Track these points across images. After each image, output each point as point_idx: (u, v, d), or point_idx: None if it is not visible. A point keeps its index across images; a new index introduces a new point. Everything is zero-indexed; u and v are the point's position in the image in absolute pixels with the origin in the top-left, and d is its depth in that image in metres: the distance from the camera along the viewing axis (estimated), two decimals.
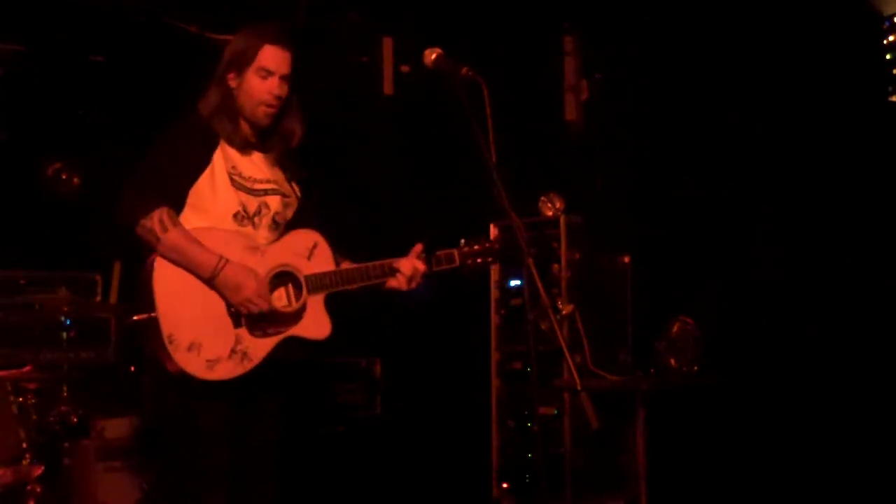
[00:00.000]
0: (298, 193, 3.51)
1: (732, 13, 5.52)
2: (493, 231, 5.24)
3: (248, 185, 3.34)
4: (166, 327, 3.16)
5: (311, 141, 3.51)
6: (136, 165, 3.31)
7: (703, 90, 5.69)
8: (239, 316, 3.23)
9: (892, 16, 5.08)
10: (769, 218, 5.45)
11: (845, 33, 5.18)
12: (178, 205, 3.28)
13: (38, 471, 4.33)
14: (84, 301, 5.36)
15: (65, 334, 4.91)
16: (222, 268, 3.18)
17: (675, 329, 5.12)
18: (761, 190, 5.48)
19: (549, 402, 5.30)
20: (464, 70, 3.05)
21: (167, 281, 3.19)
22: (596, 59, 6.35)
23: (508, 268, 5.57)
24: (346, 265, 3.41)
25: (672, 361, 5.11)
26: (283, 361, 3.32)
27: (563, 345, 3.03)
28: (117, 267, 5.68)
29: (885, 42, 5.09)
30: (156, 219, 3.18)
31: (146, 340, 3.21)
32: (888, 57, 5.09)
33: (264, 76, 3.29)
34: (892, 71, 5.07)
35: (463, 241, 3.44)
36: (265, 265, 3.27)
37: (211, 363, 3.18)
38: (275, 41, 3.31)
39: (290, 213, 3.46)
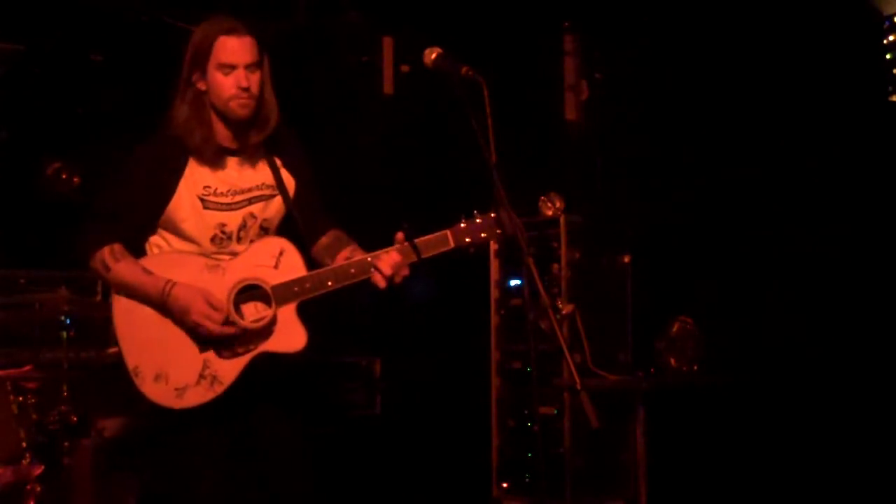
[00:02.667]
0: (292, 181, 3.30)
1: (733, 13, 5.52)
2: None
3: (227, 200, 3.19)
4: (130, 360, 3.10)
5: (310, 141, 3.48)
6: (95, 199, 3.23)
7: (704, 90, 5.69)
8: (204, 339, 3.11)
9: (892, 16, 5.08)
10: (769, 217, 5.45)
11: (845, 33, 5.18)
12: (141, 233, 3.20)
13: (38, 470, 4.33)
14: (84, 301, 5.36)
15: (65, 334, 4.90)
16: (169, 291, 3.07)
17: (675, 329, 5.12)
18: (761, 189, 5.48)
19: (549, 402, 5.30)
20: (464, 70, 3.00)
21: (126, 314, 3.13)
22: (596, 59, 6.35)
23: (508, 267, 5.57)
24: (339, 260, 3.19)
25: (672, 361, 5.11)
26: (271, 371, 3.18)
27: (563, 345, 3.01)
28: None
29: (885, 42, 5.09)
30: (97, 260, 3.15)
31: (121, 374, 3.15)
32: (888, 57, 5.09)
33: (227, 72, 3.10)
34: (892, 71, 5.07)
35: (463, 217, 3.16)
36: (227, 282, 3.11)
37: (180, 391, 3.08)
38: (229, 31, 3.10)
39: (281, 213, 3.30)
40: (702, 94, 5.70)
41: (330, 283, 3.13)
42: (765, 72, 5.45)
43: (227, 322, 3.08)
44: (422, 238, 3.14)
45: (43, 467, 4.36)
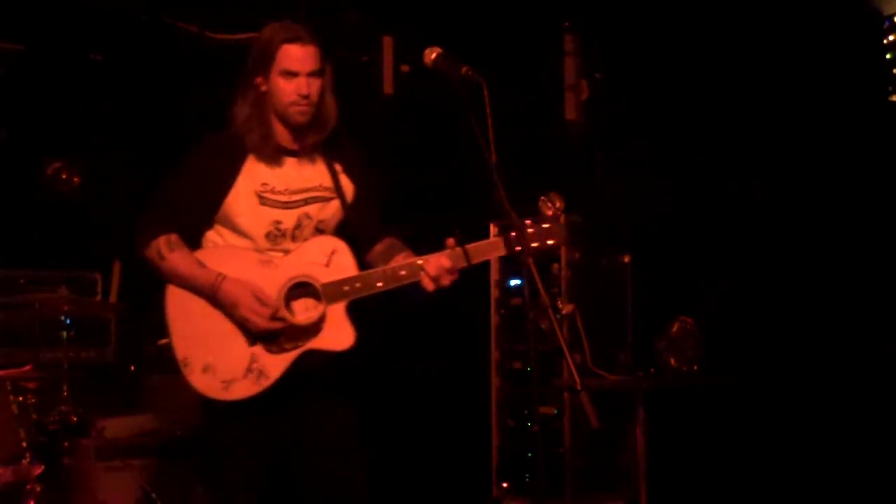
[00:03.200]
0: (351, 187, 3.37)
1: (733, 13, 5.52)
2: (494, 230, 5.24)
3: (284, 198, 3.25)
4: (180, 351, 3.15)
5: None
6: (152, 190, 3.28)
7: (704, 90, 5.69)
8: (254, 333, 3.16)
9: (893, 16, 5.08)
10: (770, 217, 5.45)
11: (845, 33, 5.18)
12: (198, 227, 3.27)
13: (38, 470, 4.33)
14: (84, 300, 5.37)
15: (65, 334, 4.91)
16: (219, 285, 3.13)
17: (675, 329, 5.12)
18: (762, 189, 5.48)
19: (549, 402, 5.30)
20: (464, 69, 3.02)
21: (179, 305, 3.18)
22: (596, 59, 6.35)
23: (508, 267, 5.57)
24: (394, 263, 3.23)
25: (672, 361, 5.10)
26: (318, 368, 3.21)
27: (563, 344, 3.02)
28: (117, 266, 5.69)
29: (885, 42, 5.09)
30: (153, 249, 3.20)
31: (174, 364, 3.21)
32: (888, 57, 5.08)
33: (289, 78, 3.19)
34: (892, 71, 5.07)
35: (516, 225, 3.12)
36: (279, 278, 3.17)
37: (226, 384, 3.13)
38: (293, 39, 3.20)
39: (338, 216, 3.36)
40: (702, 94, 5.70)
41: (379, 284, 3.18)
42: (765, 71, 5.45)
43: (275, 318, 3.12)
44: (473, 244, 3.18)
45: (43, 467, 4.36)
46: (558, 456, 5.23)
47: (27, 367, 4.60)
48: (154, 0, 5.68)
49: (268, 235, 3.24)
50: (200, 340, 3.15)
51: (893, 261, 5.04)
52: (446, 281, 3.15)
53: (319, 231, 3.31)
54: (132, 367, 5.66)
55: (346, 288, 3.16)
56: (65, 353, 4.87)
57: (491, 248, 3.19)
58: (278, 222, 3.24)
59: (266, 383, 3.14)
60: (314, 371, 3.20)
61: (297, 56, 3.19)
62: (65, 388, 4.77)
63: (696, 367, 5.10)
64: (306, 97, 3.19)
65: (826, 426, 5.14)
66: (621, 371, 5.28)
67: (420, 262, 3.16)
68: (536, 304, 2.96)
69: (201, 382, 3.14)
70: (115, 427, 4.97)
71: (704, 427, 5.43)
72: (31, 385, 4.56)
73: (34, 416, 4.52)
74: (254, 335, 3.15)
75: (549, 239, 3.20)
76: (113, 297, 5.68)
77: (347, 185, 3.37)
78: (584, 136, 6.39)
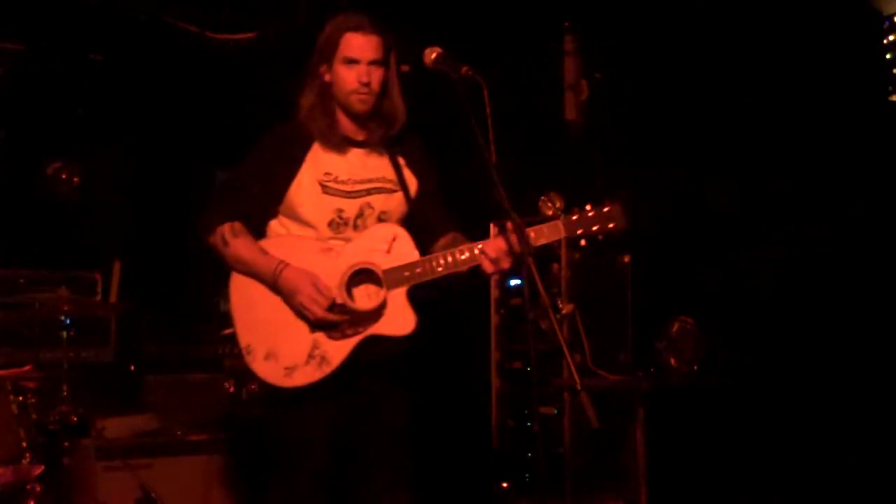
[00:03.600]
0: (414, 182, 3.40)
1: (733, 13, 5.52)
2: (493, 230, 5.23)
3: (347, 188, 3.27)
4: (243, 338, 3.20)
5: None
6: (220, 180, 3.36)
7: (704, 90, 5.68)
8: (310, 321, 3.19)
9: (892, 16, 5.08)
10: (769, 217, 5.45)
11: (845, 33, 5.18)
12: (262, 216, 3.31)
13: (38, 470, 4.33)
14: (84, 300, 5.37)
15: (65, 333, 4.91)
16: (280, 272, 3.17)
17: (675, 329, 5.12)
18: (761, 189, 5.48)
19: (549, 401, 5.30)
20: (464, 69, 3.04)
21: (242, 292, 3.23)
22: (596, 59, 6.34)
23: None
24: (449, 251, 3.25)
25: (672, 361, 5.10)
26: (379, 353, 3.24)
27: (563, 344, 3.02)
28: (117, 266, 5.70)
29: (885, 42, 5.09)
30: (218, 235, 3.26)
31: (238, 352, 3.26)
32: (888, 57, 5.08)
33: (350, 66, 3.23)
34: (892, 71, 5.07)
35: (576, 208, 3.19)
36: (340, 266, 3.21)
37: (289, 370, 3.16)
38: (356, 28, 3.26)
39: (401, 209, 3.38)
40: (702, 94, 5.70)
41: (440, 269, 3.21)
42: (765, 71, 5.45)
43: (332, 307, 3.16)
44: (533, 227, 3.17)
45: (43, 467, 4.36)
46: (558, 456, 5.23)
47: (27, 367, 4.60)
48: (154, 0, 5.68)
49: (330, 224, 3.27)
50: (263, 328, 3.20)
51: (893, 261, 5.04)
52: (506, 264, 3.17)
53: (381, 222, 3.34)
54: (132, 367, 5.66)
55: (406, 273, 3.20)
56: (65, 353, 4.87)
57: (551, 231, 3.18)
58: (340, 211, 3.27)
59: (328, 369, 3.18)
60: (375, 356, 3.24)
61: (358, 44, 3.24)
62: (65, 388, 4.76)
63: (696, 367, 5.10)
64: (367, 85, 3.23)
65: (826, 426, 5.14)
66: (621, 371, 5.28)
67: (480, 245, 3.18)
68: (536, 304, 2.96)
69: (264, 369, 3.17)
70: (115, 427, 4.97)
71: (704, 427, 5.43)
72: (31, 385, 4.56)
73: (34, 416, 4.52)
74: (312, 323, 3.18)
75: (610, 223, 3.17)
76: (113, 297, 5.69)
77: (411, 179, 3.41)
78: (584, 136, 6.39)
